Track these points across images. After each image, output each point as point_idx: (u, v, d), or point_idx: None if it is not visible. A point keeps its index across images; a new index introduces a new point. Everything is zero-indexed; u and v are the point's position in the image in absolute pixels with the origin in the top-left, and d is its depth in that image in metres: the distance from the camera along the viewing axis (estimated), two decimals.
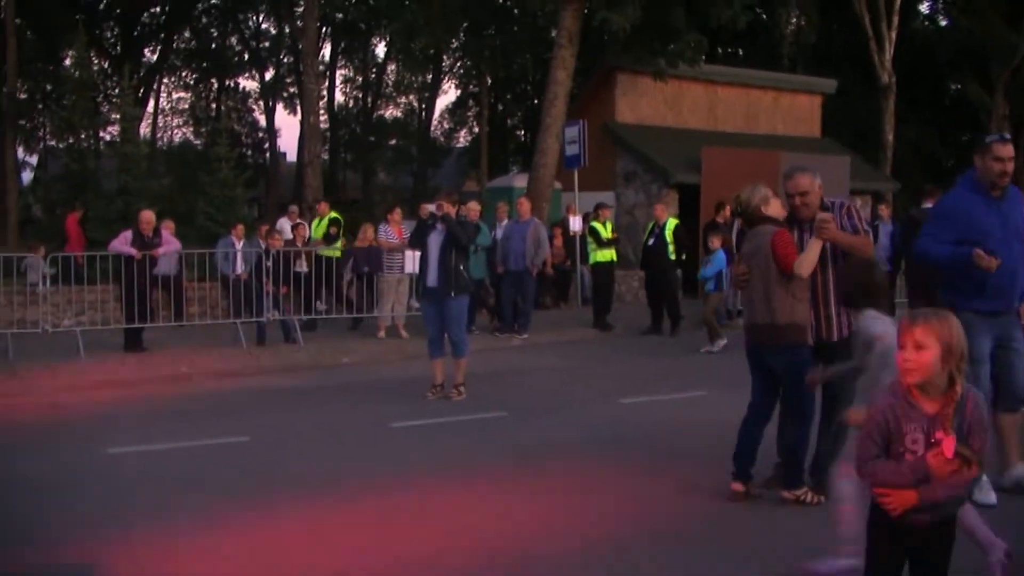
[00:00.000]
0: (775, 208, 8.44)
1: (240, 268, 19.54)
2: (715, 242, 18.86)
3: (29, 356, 16.42)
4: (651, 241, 20.41)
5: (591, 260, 21.15)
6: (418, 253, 18.90)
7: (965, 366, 4.61)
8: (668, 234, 20.18)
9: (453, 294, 13.26)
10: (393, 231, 19.68)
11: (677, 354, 17.97)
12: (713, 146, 28.46)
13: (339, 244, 20.86)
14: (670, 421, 11.78)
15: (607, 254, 20.77)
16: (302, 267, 19.78)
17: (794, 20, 43.80)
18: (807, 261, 8.08)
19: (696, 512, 8.21)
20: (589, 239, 21.10)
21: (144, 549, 7.38)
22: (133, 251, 17.00)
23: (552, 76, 26.50)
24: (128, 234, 17.36)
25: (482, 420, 11.93)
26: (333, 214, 21.85)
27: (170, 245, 17.91)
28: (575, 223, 23.52)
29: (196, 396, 13.97)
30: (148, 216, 17.58)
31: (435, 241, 13.41)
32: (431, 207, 13.73)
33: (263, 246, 18.97)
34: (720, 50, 44.11)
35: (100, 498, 8.65)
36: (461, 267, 13.38)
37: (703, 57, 28.81)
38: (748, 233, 8.67)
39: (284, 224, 23.94)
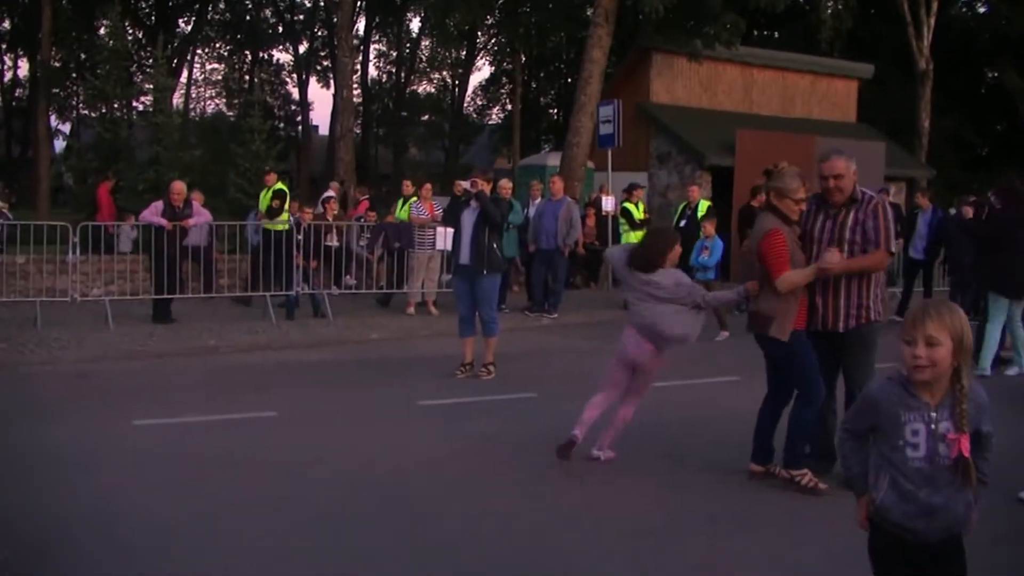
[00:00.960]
0: (788, 207, 8.23)
1: None
2: (709, 228, 18.01)
3: (57, 325, 16.37)
4: (683, 222, 20.21)
5: (623, 241, 20.98)
6: (450, 230, 18.92)
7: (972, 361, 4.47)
8: (701, 216, 20.01)
9: (485, 272, 13.11)
10: (424, 207, 19.54)
11: (707, 338, 17.77)
12: (748, 129, 28.25)
13: (284, 217, 19.72)
14: (704, 406, 11.65)
15: (640, 235, 20.56)
16: (332, 241, 19.66)
17: (830, 4, 43.49)
18: (791, 282, 8.02)
19: (731, 498, 8.11)
20: (621, 220, 20.96)
21: (170, 524, 7.28)
22: (163, 222, 16.91)
23: (587, 55, 26.26)
24: (159, 204, 17.26)
25: (511, 401, 11.80)
26: (279, 185, 20.64)
27: (201, 216, 17.77)
28: (608, 203, 23.34)
29: (224, 369, 13.89)
30: (179, 187, 17.47)
31: (468, 218, 13.25)
32: (465, 184, 13.51)
33: (293, 219, 18.90)
34: (755, 32, 43.81)
35: (126, 471, 8.56)
36: (494, 245, 13.22)
37: (740, 39, 28.53)
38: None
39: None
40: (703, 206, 20.28)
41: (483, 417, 10.95)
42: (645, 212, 21.00)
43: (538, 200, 20.27)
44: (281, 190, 20.12)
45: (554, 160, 28.93)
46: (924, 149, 39.51)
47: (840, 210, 8.18)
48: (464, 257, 13.23)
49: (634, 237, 20.43)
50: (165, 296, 17.17)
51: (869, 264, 8.14)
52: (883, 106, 40.45)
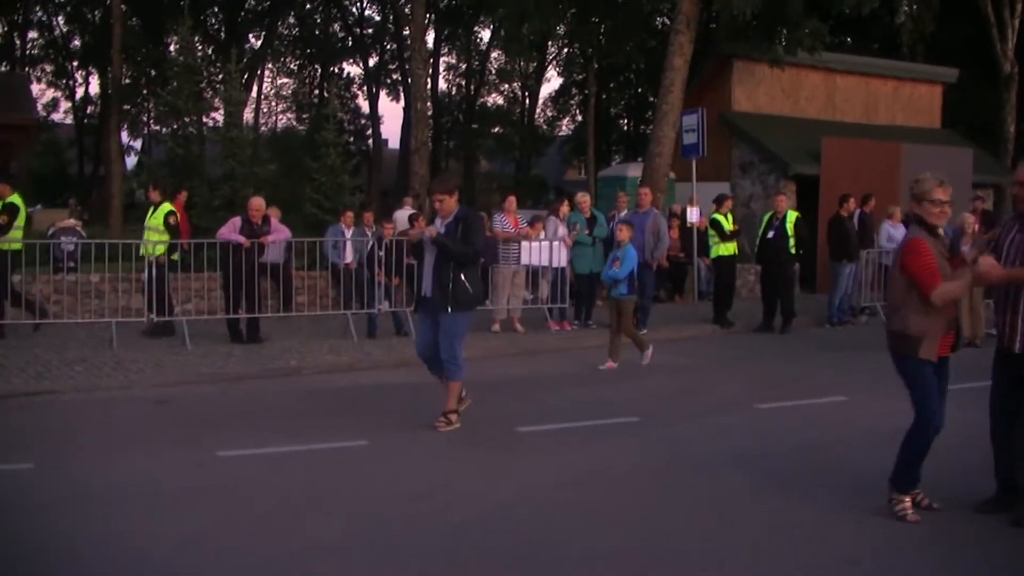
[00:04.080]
0: (927, 210, 7.60)
1: (349, 257, 18.92)
2: (624, 232, 15.81)
3: (134, 347, 15.97)
4: (771, 234, 19.72)
5: (712, 254, 20.38)
6: (535, 243, 18.35)
7: None
8: (789, 227, 19.44)
9: (450, 309, 10.91)
10: (509, 221, 19.00)
11: (805, 354, 17.14)
12: (833, 137, 27.62)
13: (16, 235, 17.07)
14: (815, 430, 11.00)
15: (730, 247, 19.95)
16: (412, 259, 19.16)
17: (906, 7, 42.70)
18: (947, 294, 7.41)
19: (870, 537, 7.46)
20: (711, 232, 20.32)
21: (265, 566, 6.82)
22: (242, 239, 16.40)
23: (668, 63, 25.59)
24: (237, 221, 16.77)
25: (614, 426, 11.18)
26: (13, 198, 17.30)
27: (280, 233, 17.25)
28: (693, 214, 22.74)
29: (307, 393, 13.34)
30: (258, 203, 16.97)
31: (430, 244, 11.06)
32: (417, 233, 11.39)
33: (370, 234, 18.42)
34: (830, 39, 43.05)
35: (213, 507, 8.06)
36: (462, 276, 10.94)
37: (823, 44, 27.83)
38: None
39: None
40: (791, 217, 19.63)
41: (587, 445, 10.33)
42: (734, 224, 20.32)
43: (624, 212, 19.62)
44: (12, 204, 17.19)
45: (635, 171, 28.36)
46: (1009, 155, 38.57)
47: None
48: (426, 288, 11.08)
49: (723, 249, 19.86)
50: (244, 315, 16.70)
51: None
52: (964, 110, 39.57)
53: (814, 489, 8.59)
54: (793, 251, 19.62)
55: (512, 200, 19.82)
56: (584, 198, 19.66)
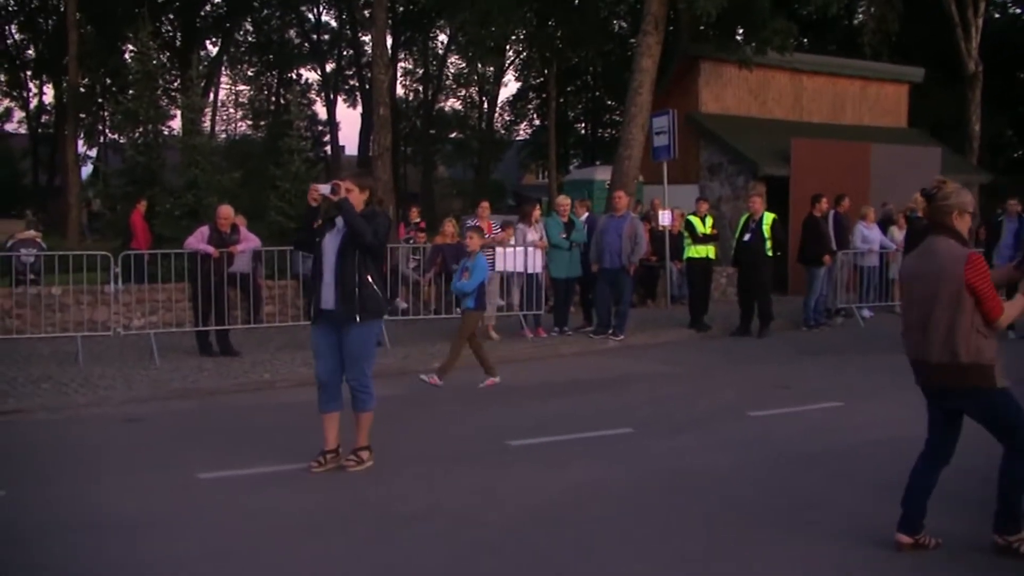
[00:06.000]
0: (966, 223, 7.07)
1: None
2: (473, 241, 14.47)
3: (101, 361, 15.45)
4: (747, 236, 19.34)
5: (685, 255, 20.10)
6: (510, 249, 17.94)
7: None
8: (766, 229, 19.10)
9: (359, 319, 9.24)
10: (483, 226, 18.60)
11: (787, 358, 16.83)
12: (802, 137, 27.39)
13: None
14: (814, 438, 10.63)
15: (702, 250, 19.63)
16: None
17: (862, 7, 42.69)
18: (1010, 317, 6.87)
19: (878, 553, 7.11)
20: (685, 234, 20.05)
21: None
22: (211, 249, 15.91)
23: (637, 64, 25.24)
24: (205, 230, 16.26)
25: (608, 438, 10.76)
26: None
27: (249, 242, 16.78)
28: (664, 217, 22.43)
29: (284, 407, 12.87)
30: (226, 211, 16.45)
31: (330, 243, 9.31)
32: (323, 188, 9.30)
33: None
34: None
35: (200, 534, 7.60)
36: (369, 279, 9.28)
37: (793, 45, 27.56)
38: (921, 245, 7.36)
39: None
40: (768, 218, 19.27)
41: (586, 459, 9.90)
42: (712, 227, 19.94)
43: (585, 215, 19.41)
44: None
45: (602, 174, 28.07)
46: (975, 153, 38.52)
47: None
48: (327, 299, 9.31)
49: (694, 252, 19.60)
50: (213, 327, 16.21)
51: None
52: (929, 109, 39.56)
53: (825, 504, 8.24)
54: (770, 253, 19.27)
55: (485, 206, 19.45)
56: (564, 201, 19.31)
